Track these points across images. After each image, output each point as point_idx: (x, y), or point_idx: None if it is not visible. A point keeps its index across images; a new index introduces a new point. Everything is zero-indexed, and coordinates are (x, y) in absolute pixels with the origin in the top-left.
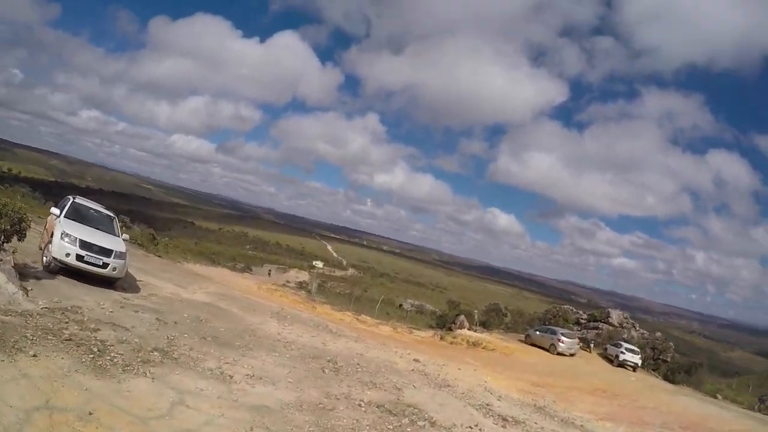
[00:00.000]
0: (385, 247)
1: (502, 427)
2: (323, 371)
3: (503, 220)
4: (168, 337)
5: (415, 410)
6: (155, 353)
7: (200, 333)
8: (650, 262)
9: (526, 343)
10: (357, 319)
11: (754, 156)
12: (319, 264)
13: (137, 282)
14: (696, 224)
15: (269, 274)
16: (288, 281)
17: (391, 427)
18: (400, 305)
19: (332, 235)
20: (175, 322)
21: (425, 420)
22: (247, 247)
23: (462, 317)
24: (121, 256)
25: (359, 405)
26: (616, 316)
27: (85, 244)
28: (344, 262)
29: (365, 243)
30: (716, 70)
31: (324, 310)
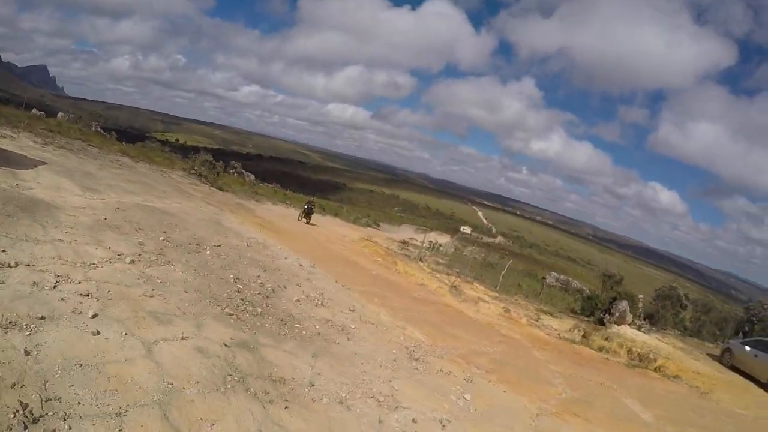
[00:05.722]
0: (538, 218)
1: None
2: None
3: (664, 196)
4: None
5: None
6: None
7: None
8: None
9: (723, 364)
10: (454, 287)
11: None
12: (466, 229)
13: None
14: None
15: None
16: (412, 238)
17: None
18: (543, 278)
19: (484, 202)
20: None
21: None
22: (396, 208)
23: (624, 303)
24: None
25: None
26: None
27: None
28: (493, 230)
29: (518, 212)
30: None
31: (407, 269)
